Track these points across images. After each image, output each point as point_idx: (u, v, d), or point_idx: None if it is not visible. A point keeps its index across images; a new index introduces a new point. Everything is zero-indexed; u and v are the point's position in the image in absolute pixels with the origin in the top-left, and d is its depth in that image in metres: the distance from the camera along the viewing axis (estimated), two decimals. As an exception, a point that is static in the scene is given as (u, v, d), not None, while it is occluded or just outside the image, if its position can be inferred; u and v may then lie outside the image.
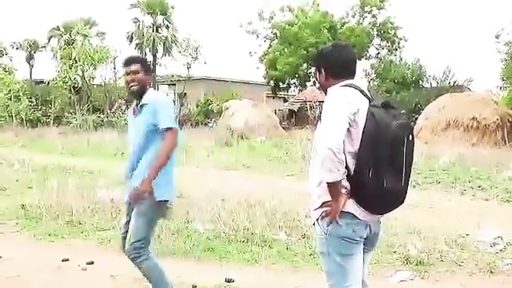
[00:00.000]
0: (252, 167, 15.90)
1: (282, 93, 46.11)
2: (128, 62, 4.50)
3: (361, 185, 3.22)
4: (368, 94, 3.40)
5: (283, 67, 39.49)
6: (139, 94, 4.48)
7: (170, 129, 4.31)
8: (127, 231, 4.45)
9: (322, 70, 3.53)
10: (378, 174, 3.17)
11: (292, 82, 43.17)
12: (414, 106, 32.66)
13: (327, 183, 3.20)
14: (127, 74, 4.44)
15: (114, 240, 6.89)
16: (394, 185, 3.22)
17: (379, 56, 43.51)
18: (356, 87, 3.37)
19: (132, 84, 4.43)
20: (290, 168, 15.35)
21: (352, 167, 3.23)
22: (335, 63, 3.50)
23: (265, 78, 43.20)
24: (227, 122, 28.00)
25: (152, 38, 44.47)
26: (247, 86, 46.64)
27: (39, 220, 8.34)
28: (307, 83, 43.13)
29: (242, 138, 24.96)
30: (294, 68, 39.67)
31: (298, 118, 40.86)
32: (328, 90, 3.45)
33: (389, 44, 42.61)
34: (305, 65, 39.94)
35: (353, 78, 3.49)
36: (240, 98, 34.87)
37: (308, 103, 39.23)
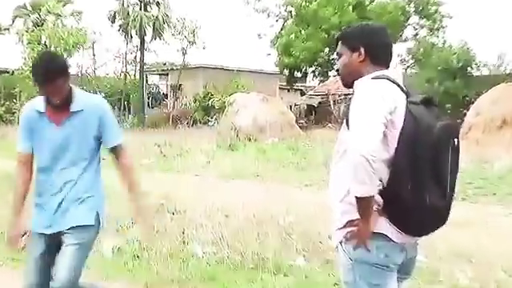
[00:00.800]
0: (262, 175, 15.77)
1: (299, 84, 46.01)
2: (49, 77, 4.20)
3: (397, 200, 3.18)
4: (404, 87, 3.37)
5: (300, 53, 38.74)
6: (67, 102, 4.36)
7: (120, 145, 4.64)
8: (46, 265, 4.50)
9: (362, 49, 3.47)
10: (418, 187, 3.14)
11: (310, 70, 42.73)
12: (461, 99, 32.46)
13: (357, 198, 3.15)
14: (49, 91, 4.26)
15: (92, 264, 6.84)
16: (437, 200, 3.18)
17: (417, 38, 42.81)
18: (391, 79, 3.33)
19: (57, 98, 4.28)
20: (308, 176, 15.33)
21: (386, 178, 3.19)
22: (379, 45, 3.52)
23: (277, 67, 42.55)
24: (231, 119, 27.86)
25: (139, 17, 44.03)
26: (256, 76, 46.09)
27: None
28: (329, 72, 42.50)
29: (249, 139, 24.97)
30: (312, 54, 39.04)
31: (319, 114, 41.08)
32: (356, 82, 3.42)
33: (430, 23, 41.75)
34: (326, 49, 39.52)
35: (387, 69, 3.47)
36: (247, 91, 34.65)
37: (331, 97, 40.14)
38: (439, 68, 36.19)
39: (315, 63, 41.14)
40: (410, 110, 3.18)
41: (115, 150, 4.63)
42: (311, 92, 47.39)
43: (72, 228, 4.35)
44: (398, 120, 3.17)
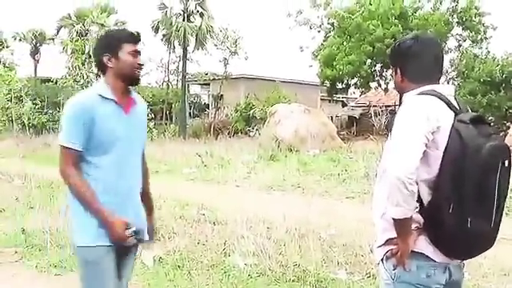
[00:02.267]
0: (303, 187, 15.65)
1: (340, 95, 45.95)
2: (139, 37, 4.15)
3: (437, 221, 3.12)
4: (456, 104, 3.27)
5: (343, 66, 38.69)
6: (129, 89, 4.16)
7: None
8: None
9: (398, 69, 3.45)
10: (460, 211, 3.05)
11: (352, 82, 42.41)
12: (504, 112, 32.17)
13: (393, 219, 3.11)
14: (138, 52, 4.08)
15: (134, 273, 6.86)
16: (480, 226, 3.10)
17: (460, 49, 42.33)
18: (440, 95, 3.23)
19: (141, 69, 4.13)
20: (350, 188, 15.22)
21: (427, 198, 3.13)
22: (415, 62, 3.38)
23: (319, 78, 42.34)
24: (273, 130, 27.73)
25: (182, 27, 43.96)
26: (297, 87, 45.78)
27: (43, 248, 8.34)
28: (371, 84, 42.21)
29: (290, 150, 24.74)
30: (355, 67, 38.81)
31: (360, 126, 40.70)
32: (404, 95, 3.38)
33: (473, 34, 41.15)
34: (368, 61, 39.36)
35: (437, 82, 3.37)
36: (289, 102, 34.70)
37: (372, 108, 39.97)
38: (482, 80, 35.66)
39: (357, 75, 40.58)
40: (457, 130, 3.08)
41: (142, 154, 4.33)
42: (353, 103, 47.34)
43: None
44: (441, 140, 3.09)
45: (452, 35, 41.71)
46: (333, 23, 41.98)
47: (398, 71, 3.43)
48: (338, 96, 45.68)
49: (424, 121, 3.07)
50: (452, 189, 3.03)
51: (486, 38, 41.36)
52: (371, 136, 27.64)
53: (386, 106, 39.49)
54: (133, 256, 4.26)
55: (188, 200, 11.40)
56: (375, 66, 39.93)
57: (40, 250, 8.31)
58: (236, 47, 42.86)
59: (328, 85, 41.88)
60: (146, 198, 4.31)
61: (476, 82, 35.94)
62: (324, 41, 42.34)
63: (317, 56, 41.96)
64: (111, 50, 3.96)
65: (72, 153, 3.80)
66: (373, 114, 38.70)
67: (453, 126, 3.10)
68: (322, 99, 48.17)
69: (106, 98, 3.88)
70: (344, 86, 42.44)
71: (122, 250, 3.99)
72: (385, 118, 35.92)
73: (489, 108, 32.33)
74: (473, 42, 41.63)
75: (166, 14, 45.50)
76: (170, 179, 16.35)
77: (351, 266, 7.29)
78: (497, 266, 7.21)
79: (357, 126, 41.26)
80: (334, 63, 38.92)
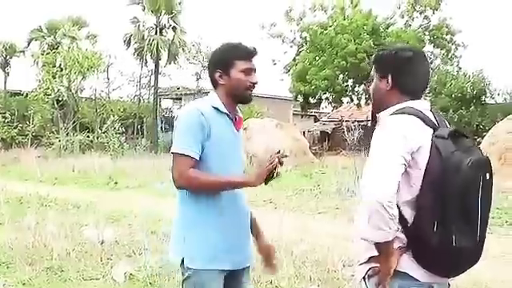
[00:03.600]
0: (275, 203, 15.64)
1: (313, 110, 45.89)
2: (255, 53, 3.85)
3: (422, 241, 3.05)
4: (433, 118, 3.23)
5: (316, 81, 38.98)
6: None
7: None
8: None
9: (389, 77, 3.33)
10: (445, 229, 2.98)
11: (325, 97, 42.77)
12: (475, 128, 32.47)
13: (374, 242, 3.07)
14: (252, 70, 3.82)
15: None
16: (466, 242, 3.03)
17: (432, 67, 41.76)
18: (416, 112, 3.17)
19: (253, 87, 3.85)
20: (322, 204, 15.17)
21: (410, 218, 3.07)
22: (411, 74, 3.32)
23: (291, 93, 42.70)
24: (244, 146, 27.37)
25: (155, 41, 44.20)
26: (269, 102, 45.13)
27: (11, 265, 8.23)
28: (343, 99, 42.80)
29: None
30: (328, 82, 39.16)
31: (333, 141, 40.74)
32: (378, 115, 3.32)
33: (444, 52, 42.32)
34: (341, 76, 39.68)
35: (418, 99, 3.32)
36: (261, 117, 34.82)
37: (344, 123, 39.33)
38: (453, 96, 36.29)
39: (330, 90, 40.90)
40: (436, 146, 3.02)
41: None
42: (325, 118, 47.52)
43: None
44: (422, 160, 3.03)
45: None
46: (305, 37, 42.34)
47: (389, 79, 3.31)
48: (310, 111, 45.83)
49: (402, 141, 3.02)
50: (435, 208, 2.98)
51: (456, 56, 42.44)
52: (343, 151, 27.94)
53: (358, 121, 38.42)
54: (244, 283, 3.98)
55: (160, 215, 11.32)
56: (347, 81, 40.32)
57: (8, 268, 8.19)
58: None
59: (301, 100, 42.17)
60: (253, 222, 4.10)
61: (447, 98, 36.62)
62: (297, 55, 42.67)
63: (289, 70, 42.44)
64: (223, 66, 3.75)
65: (189, 160, 3.57)
66: (345, 129, 38.48)
67: (432, 142, 3.05)
68: (294, 114, 48.31)
69: (220, 112, 3.71)
70: (317, 100, 42.73)
71: (233, 275, 3.80)
72: (357, 134, 36.07)
73: (460, 123, 32.65)
74: (442, 59, 42.55)
75: (138, 27, 45.80)
76: (141, 194, 16.39)
77: (323, 282, 7.24)
78: (469, 282, 7.16)
79: (329, 141, 41.58)
80: (307, 78, 39.27)
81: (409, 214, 3.06)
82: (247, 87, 3.73)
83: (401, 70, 3.31)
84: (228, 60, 3.73)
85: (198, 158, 3.57)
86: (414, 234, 3.06)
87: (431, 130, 3.12)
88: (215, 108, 3.67)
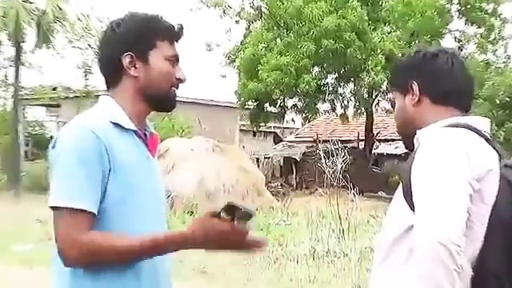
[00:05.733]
0: (210, 274, 12.38)
1: (272, 124, 38.67)
2: (182, 32, 2.74)
3: None
4: (494, 143, 2.65)
5: (273, 74, 28.91)
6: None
7: None
8: None
9: (413, 85, 2.67)
10: None
11: (290, 103, 33.71)
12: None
13: None
14: (177, 59, 2.73)
15: None
16: None
17: (463, 53, 32.08)
18: (476, 130, 2.52)
19: (178, 87, 2.80)
20: (287, 275, 11.97)
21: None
22: (444, 78, 2.68)
23: (237, 96, 33.37)
24: (163, 180, 19.41)
25: (13, 10, 31.62)
26: (203, 111, 37.80)
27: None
28: (319, 105, 33.68)
29: (190, 213, 20.33)
30: (293, 76, 29.13)
31: (303, 172, 35.06)
32: (419, 132, 2.60)
33: (483, 31, 32.17)
34: (316, 69, 30.60)
35: (467, 112, 2.69)
36: (188, 134, 30.63)
37: (321, 145, 32.60)
38: (498, 101, 29.39)
39: (297, 91, 30.54)
40: (506, 178, 2.40)
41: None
42: (291, 137, 40.96)
43: None
44: (488, 191, 2.38)
45: (450, 31, 33.52)
46: (259, 7, 33.18)
47: (414, 87, 2.66)
48: (268, 125, 37.81)
49: (465, 162, 2.36)
50: (503, 261, 2.40)
51: (502, 38, 32.94)
52: (320, 189, 24.13)
53: (342, 142, 29.97)
54: None
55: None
56: (326, 76, 32.05)
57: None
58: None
59: (252, 107, 33.68)
60: None
61: (488, 104, 29.13)
62: (246, 36, 33.35)
63: (234, 60, 33.40)
64: (138, 47, 2.58)
65: (83, 217, 2.37)
66: (322, 155, 27.80)
67: (500, 175, 2.43)
68: (242, 130, 41.50)
69: (124, 129, 2.58)
70: (278, 108, 34.24)
71: None
72: (342, 161, 26.17)
73: (508, 144, 25.20)
74: (480, 45, 32.56)
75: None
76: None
77: None
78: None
79: (297, 174, 35.63)
80: (261, 69, 29.69)
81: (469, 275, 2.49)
82: (173, 84, 2.72)
83: (429, 72, 2.71)
84: (147, 38, 2.63)
85: (96, 212, 2.42)
86: None
87: (497, 155, 2.55)
88: (116, 124, 2.57)
